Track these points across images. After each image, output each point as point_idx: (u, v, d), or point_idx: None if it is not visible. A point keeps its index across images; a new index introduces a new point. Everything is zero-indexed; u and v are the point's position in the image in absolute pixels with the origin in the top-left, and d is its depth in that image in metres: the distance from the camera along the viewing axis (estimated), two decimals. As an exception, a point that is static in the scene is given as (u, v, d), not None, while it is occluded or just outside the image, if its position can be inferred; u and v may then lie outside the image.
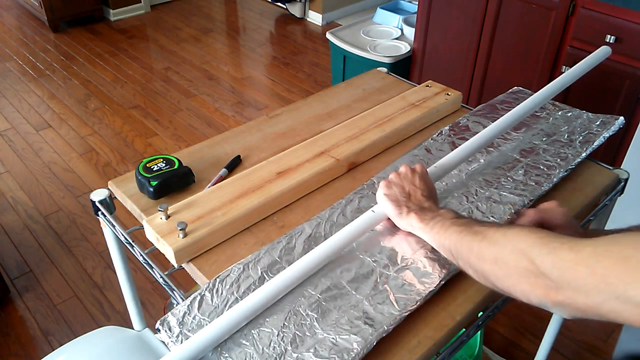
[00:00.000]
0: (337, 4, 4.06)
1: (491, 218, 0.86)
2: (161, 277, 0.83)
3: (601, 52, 1.15)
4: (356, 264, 0.78)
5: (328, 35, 2.69)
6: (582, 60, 1.14)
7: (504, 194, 0.91)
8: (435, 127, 1.15)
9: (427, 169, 0.91)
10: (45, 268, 2.02)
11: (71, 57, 3.57)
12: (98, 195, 0.98)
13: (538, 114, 1.13)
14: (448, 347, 0.74)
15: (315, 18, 4.05)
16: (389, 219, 0.83)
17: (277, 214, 0.92)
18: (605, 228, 1.25)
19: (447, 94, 1.20)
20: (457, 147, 0.97)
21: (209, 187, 0.95)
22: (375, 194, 0.90)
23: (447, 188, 0.93)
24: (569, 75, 1.10)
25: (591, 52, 1.99)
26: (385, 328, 0.68)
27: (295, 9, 4.10)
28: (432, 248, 0.80)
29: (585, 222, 1.01)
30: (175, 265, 0.82)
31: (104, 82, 3.28)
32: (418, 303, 0.72)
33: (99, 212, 0.98)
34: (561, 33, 1.99)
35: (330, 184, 0.99)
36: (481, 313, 0.79)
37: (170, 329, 0.69)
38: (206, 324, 0.69)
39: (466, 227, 0.68)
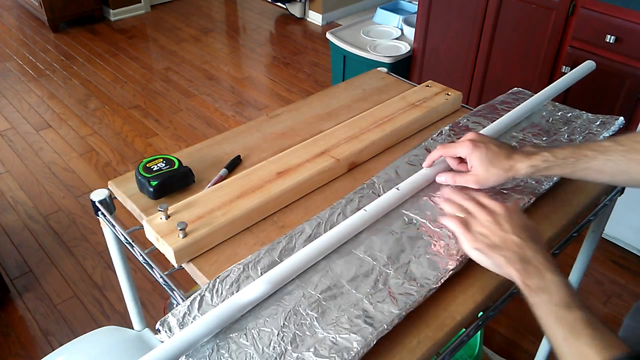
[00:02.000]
0: (337, 4, 4.07)
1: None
2: (161, 277, 0.83)
3: (585, 67, 1.20)
4: (356, 263, 0.78)
5: (328, 35, 2.69)
6: (567, 74, 1.18)
7: (504, 192, 0.91)
8: (435, 127, 1.15)
9: (419, 172, 0.92)
10: (45, 268, 2.02)
11: (71, 57, 3.57)
12: (98, 195, 0.98)
13: (537, 114, 1.13)
14: (448, 347, 0.74)
15: (315, 18, 4.05)
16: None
17: (277, 214, 0.92)
18: (605, 228, 1.25)
19: (447, 94, 1.20)
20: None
21: (209, 187, 0.95)
22: (375, 193, 0.90)
23: (447, 187, 0.93)
24: (553, 88, 1.14)
25: (591, 52, 1.99)
26: (385, 327, 0.68)
27: (295, 9, 4.10)
28: (432, 246, 0.80)
29: (585, 222, 1.01)
30: (175, 265, 0.82)
31: (104, 82, 3.28)
32: (418, 302, 0.72)
33: (99, 212, 0.98)
34: (561, 33, 2.00)
35: (330, 184, 0.99)
36: (481, 313, 0.79)
37: (170, 330, 0.69)
38: (206, 324, 0.69)
39: (574, 340, 0.59)
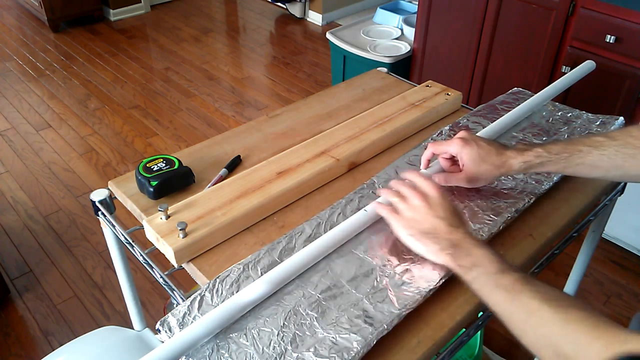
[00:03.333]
0: (337, 4, 4.07)
1: (491, 216, 0.86)
2: (161, 277, 0.83)
3: (585, 67, 1.20)
4: (356, 263, 0.78)
5: (328, 35, 2.69)
6: (567, 74, 1.18)
7: (505, 191, 0.91)
8: (435, 127, 1.15)
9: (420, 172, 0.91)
10: (45, 268, 2.02)
11: (71, 57, 3.57)
12: (98, 195, 0.98)
13: (537, 114, 1.13)
14: (448, 347, 0.74)
15: (315, 18, 4.05)
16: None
17: (277, 214, 0.92)
18: (605, 228, 1.25)
19: (447, 94, 1.20)
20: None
21: (209, 187, 0.95)
22: (375, 193, 0.90)
23: (447, 187, 0.93)
24: (553, 88, 1.14)
25: (591, 52, 1.99)
26: (385, 327, 0.68)
27: (295, 9, 4.10)
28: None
29: (585, 222, 1.01)
30: (175, 265, 0.82)
31: (104, 82, 3.28)
32: (418, 302, 0.72)
33: (99, 212, 0.98)
34: (561, 33, 2.00)
35: (330, 184, 0.99)
36: (481, 313, 0.79)
37: (170, 330, 0.69)
38: (206, 324, 0.68)
39: (516, 296, 0.61)
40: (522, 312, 0.60)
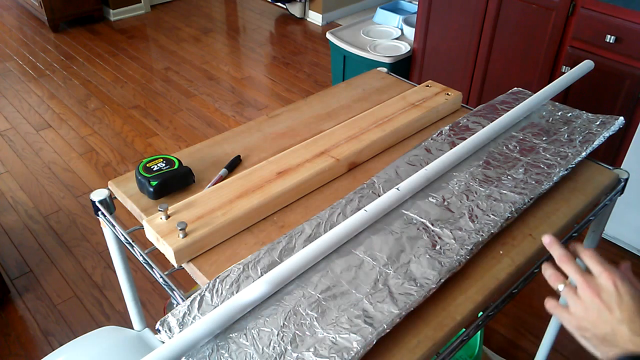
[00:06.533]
0: (337, 4, 4.07)
1: (491, 216, 0.86)
2: (161, 277, 0.83)
3: (584, 66, 1.20)
4: (356, 263, 0.78)
5: (328, 35, 2.69)
6: (566, 74, 1.18)
7: (504, 192, 0.91)
8: (435, 127, 1.15)
9: (419, 172, 0.90)
10: (45, 268, 2.02)
11: (71, 57, 3.57)
12: (98, 195, 0.98)
13: (537, 113, 1.13)
14: (448, 347, 0.74)
15: (315, 18, 4.05)
16: None
17: (277, 214, 0.92)
18: (605, 228, 1.25)
19: (447, 94, 1.20)
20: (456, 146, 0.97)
21: (209, 187, 0.95)
22: (375, 193, 0.91)
23: (447, 187, 0.93)
24: (552, 87, 1.14)
25: (591, 52, 1.99)
26: (385, 327, 0.68)
27: (295, 9, 4.10)
28: (432, 246, 0.80)
29: (585, 222, 1.01)
30: (175, 265, 0.82)
31: (104, 82, 3.28)
32: (418, 302, 0.72)
33: (99, 212, 0.98)
34: (561, 33, 2.00)
35: (330, 184, 0.99)
36: (481, 313, 0.79)
37: (170, 329, 0.69)
38: (206, 324, 0.68)
39: None
40: None
